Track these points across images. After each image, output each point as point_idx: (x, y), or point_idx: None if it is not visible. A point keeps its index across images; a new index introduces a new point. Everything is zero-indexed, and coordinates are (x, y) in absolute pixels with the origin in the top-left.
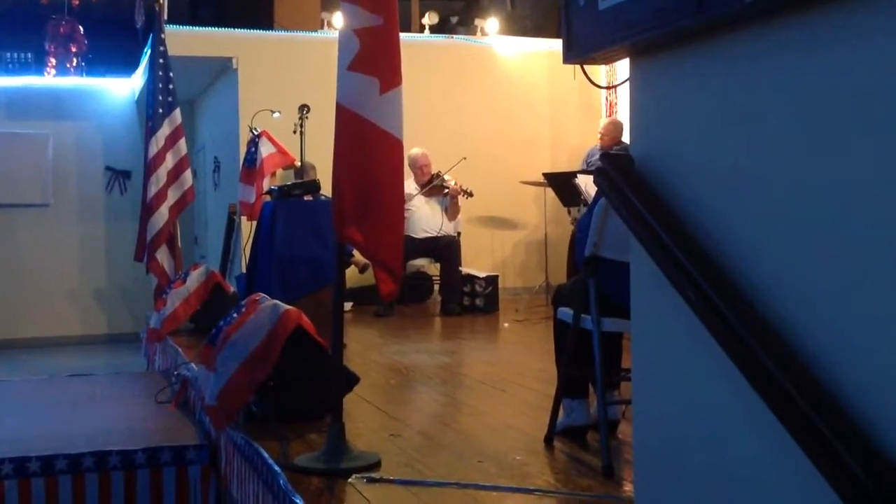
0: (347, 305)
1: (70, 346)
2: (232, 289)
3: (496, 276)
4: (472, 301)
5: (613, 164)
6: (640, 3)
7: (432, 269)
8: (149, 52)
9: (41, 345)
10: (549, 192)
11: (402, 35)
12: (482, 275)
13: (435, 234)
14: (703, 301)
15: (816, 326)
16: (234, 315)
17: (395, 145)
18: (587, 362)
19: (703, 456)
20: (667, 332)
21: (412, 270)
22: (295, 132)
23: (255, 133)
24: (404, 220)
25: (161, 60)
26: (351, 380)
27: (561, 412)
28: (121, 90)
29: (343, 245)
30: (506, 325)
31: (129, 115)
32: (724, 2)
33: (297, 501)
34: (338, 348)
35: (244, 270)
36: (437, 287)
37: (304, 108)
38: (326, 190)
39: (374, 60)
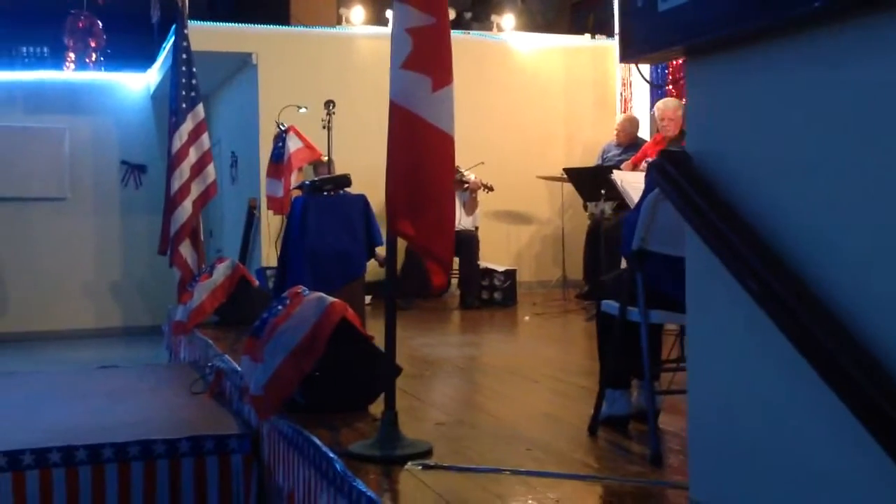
0: (367, 299)
1: (86, 338)
2: (257, 282)
3: (514, 270)
4: (490, 295)
5: (672, 160)
6: (701, 5)
7: None
8: (168, 47)
9: (58, 337)
10: (566, 187)
11: None
12: (500, 269)
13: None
14: (765, 291)
15: (877, 312)
16: (279, 307)
17: (447, 141)
18: (630, 353)
19: (761, 443)
20: (723, 323)
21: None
22: (324, 127)
23: (283, 128)
24: (454, 214)
25: (184, 56)
26: (395, 370)
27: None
28: (136, 85)
29: (395, 238)
30: (526, 318)
31: (145, 109)
32: (790, 4)
33: (359, 486)
34: (391, 339)
35: (263, 264)
36: (454, 281)
37: (329, 104)
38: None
39: (426, 59)
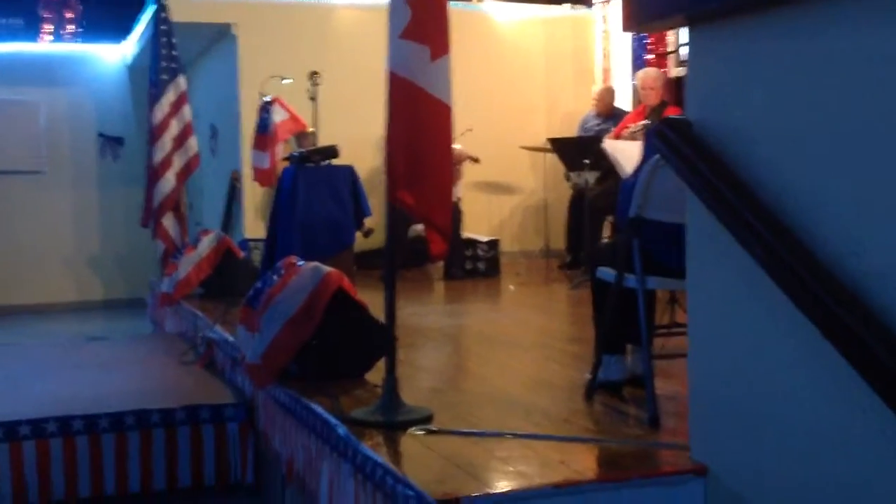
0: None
1: (67, 312)
2: (242, 254)
3: (497, 241)
4: (473, 265)
5: (672, 126)
6: None
7: None
8: (146, 17)
9: (38, 311)
10: (549, 157)
11: None
12: (484, 239)
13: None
14: (768, 254)
15: (877, 274)
16: (275, 277)
17: (445, 111)
18: (626, 320)
19: (762, 405)
20: (723, 286)
21: (413, 235)
22: (312, 98)
23: (267, 100)
24: (452, 182)
25: (164, 27)
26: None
27: None
28: (112, 56)
29: (395, 208)
30: (511, 287)
31: (121, 81)
32: None
33: (364, 450)
34: (391, 307)
35: (246, 236)
36: None
37: (314, 75)
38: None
39: (424, 29)
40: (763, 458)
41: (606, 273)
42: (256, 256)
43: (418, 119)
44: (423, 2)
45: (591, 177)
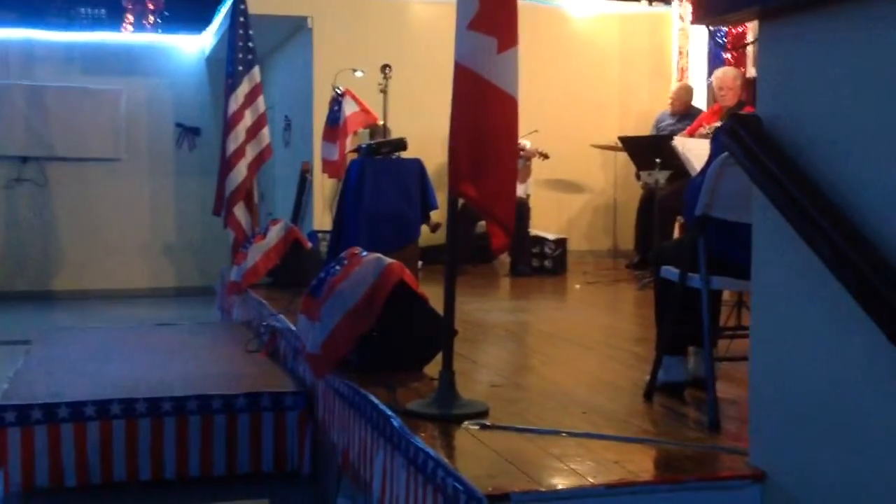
0: (418, 264)
1: (140, 298)
2: (310, 245)
3: (565, 239)
4: (540, 262)
5: (742, 124)
6: None
7: None
8: (224, 9)
9: (112, 296)
10: (620, 156)
11: None
12: (551, 237)
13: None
14: (837, 257)
15: None
16: (337, 267)
17: (511, 103)
18: (687, 320)
19: (824, 411)
20: (789, 288)
21: (480, 231)
22: (382, 91)
23: (339, 92)
24: (516, 176)
25: (241, 18)
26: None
27: None
28: (191, 48)
29: (457, 202)
30: (577, 286)
31: (199, 72)
32: None
33: (417, 442)
34: (451, 300)
35: (316, 227)
36: None
37: (385, 68)
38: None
39: (492, 20)
40: (824, 464)
41: (670, 272)
42: (324, 248)
43: (483, 111)
44: None
45: (661, 176)
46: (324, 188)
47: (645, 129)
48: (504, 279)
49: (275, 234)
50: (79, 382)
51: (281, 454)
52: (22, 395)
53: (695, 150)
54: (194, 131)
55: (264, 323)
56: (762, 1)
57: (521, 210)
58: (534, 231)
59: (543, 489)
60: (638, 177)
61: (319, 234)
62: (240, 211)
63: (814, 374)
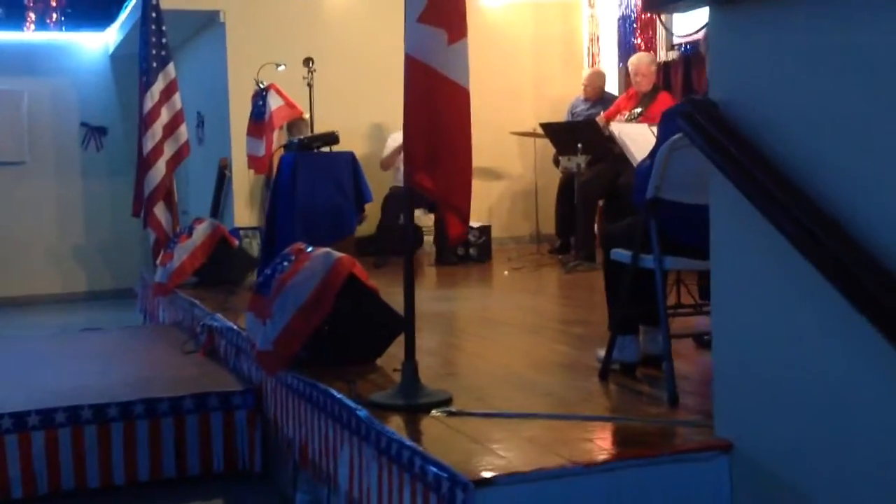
0: None
1: (51, 303)
2: (237, 242)
3: (489, 226)
4: (465, 251)
5: (698, 107)
6: None
7: (424, 219)
8: (132, 5)
9: (21, 303)
10: (538, 142)
11: None
12: (476, 224)
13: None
14: (803, 233)
15: None
16: (285, 263)
17: (463, 94)
18: (638, 300)
19: (789, 381)
20: (749, 264)
21: (403, 221)
22: (309, 85)
23: (262, 86)
24: (472, 165)
25: (153, 14)
26: (402, 323)
27: None
28: (94, 45)
29: (413, 192)
30: (505, 272)
31: (104, 70)
32: None
33: (388, 432)
34: (410, 291)
35: (236, 225)
36: (429, 238)
37: (309, 61)
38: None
39: (441, 12)
40: (790, 432)
41: (621, 254)
42: (249, 245)
43: (436, 103)
44: None
45: (581, 161)
46: (245, 185)
47: (560, 115)
48: (430, 269)
49: (200, 232)
50: (17, 392)
51: (231, 454)
52: None
53: (632, 135)
54: (101, 131)
55: (202, 323)
56: None
57: None
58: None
59: (525, 471)
60: (556, 162)
61: (242, 231)
62: (160, 210)
63: (776, 345)
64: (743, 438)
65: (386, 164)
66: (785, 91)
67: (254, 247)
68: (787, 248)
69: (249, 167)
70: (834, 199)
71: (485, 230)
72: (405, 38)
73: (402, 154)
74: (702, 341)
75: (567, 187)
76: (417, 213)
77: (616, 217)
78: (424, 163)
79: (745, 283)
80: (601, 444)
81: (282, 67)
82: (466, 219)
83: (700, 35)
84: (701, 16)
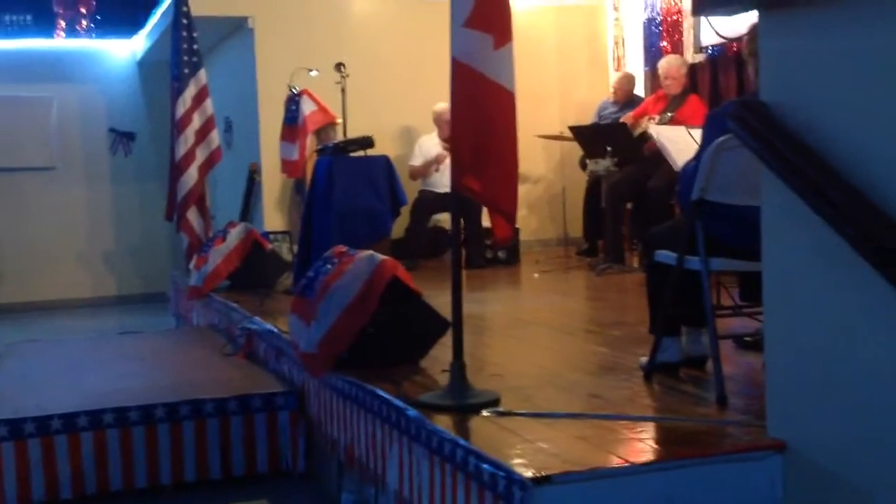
0: None
1: (82, 307)
2: (270, 246)
3: (517, 230)
4: (494, 254)
5: (749, 109)
6: None
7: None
8: (160, 12)
9: (52, 307)
10: (564, 145)
11: None
12: None
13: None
14: (859, 232)
15: None
16: (328, 266)
17: (509, 98)
18: (681, 302)
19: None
20: (803, 263)
21: (431, 225)
22: (342, 90)
23: (295, 91)
24: (518, 167)
25: (184, 20)
26: (444, 325)
27: None
28: (121, 52)
29: (460, 197)
30: (535, 275)
31: (131, 77)
32: None
33: (442, 432)
34: (458, 292)
35: (265, 228)
36: None
37: (340, 66)
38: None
39: (487, 17)
40: (845, 431)
41: (666, 256)
42: (279, 248)
43: (483, 106)
44: None
45: (609, 164)
46: (274, 189)
47: (585, 118)
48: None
49: (234, 236)
50: (65, 394)
51: (274, 454)
52: (10, 409)
53: (671, 137)
54: (129, 136)
55: (240, 326)
56: None
57: (474, 202)
58: (486, 223)
59: (581, 470)
60: (583, 165)
61: (272, 235)
62: (192, 215)
63: (830, 344)
64: (796, 438)
65: (414, 174)
66: (834, 91)
67: (284, 250)
68: (841, 246)
69: (283, 171)
70: (888, 197)
71: (514, 233)
72: (451, 42)
73: (429, 168)
74: (743, 343)
75: (594, 190)
76: (444, 216)
77: (645, 220)
78: (471, 166)
79: (797, 282)
80: (653, 443)
81: (314, 72)
82: (513, 221)
83: (725, 35)
84: (740, 18)
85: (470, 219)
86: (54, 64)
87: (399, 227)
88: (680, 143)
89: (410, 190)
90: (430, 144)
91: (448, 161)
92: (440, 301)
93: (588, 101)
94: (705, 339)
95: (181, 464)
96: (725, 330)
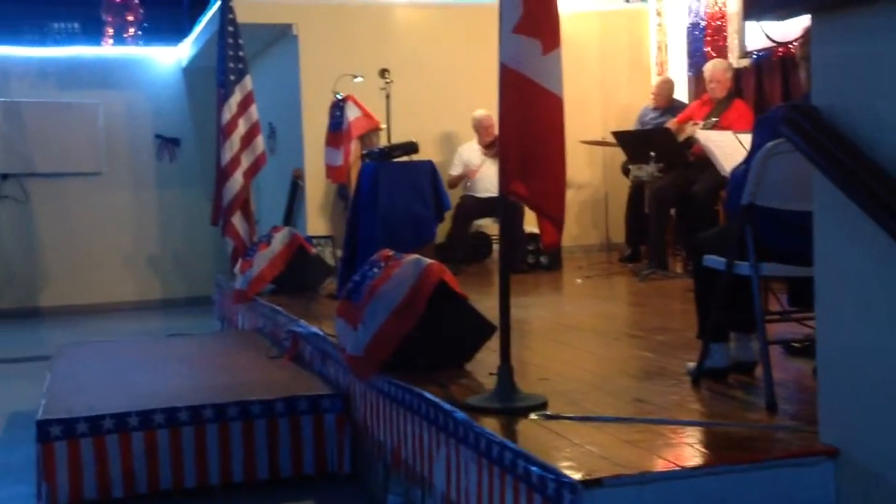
0: None
1: (127, 310)
2: (314, 250)
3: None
4: (536, 259)
5: (801, 113)
6: None
7: (492, 228)
8: (206, 20)
9: (97, 311)
10: (607, 150)
11: None
12: None
13: (497, 193)
14: None
15: None
16: (375, 270)
17: (557, 103)
18: (731, 307)
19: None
20: (856, 268)
21: (473, 230)
22: (387, 95)
23: (340, 97)
24: (566, 173)
25: (231, 28)
26: (490, 329)
27: None
28: (167, 59)
29: (507, 202)
30: (578, 280)
31: (177, 83)
32: None
33: (490, 434)
34: (505, 296)
35: (308, 233)
36: (495, 246)
37: (385, 72)
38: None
39: (536, 23)
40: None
41: (714, 261)
42: (323, 253)
43: (531, 111)
44: None
45: (653, 169)
46: (317, 194)
47: (627, 124)
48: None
49: (279, 241)
50: (116, 394)
51: (321, 456)
52: (62, 409)
53: (718, 142)
54: (174, 142)
55: (286, 329)
56: None
57: (516, 207)
58: (528, 228)
59: (631, 473)
60: (625, 171)
61: (315, 240)
62: (237, 220)
63: (884, 350)
64: (849, 444)
65: (452, 183)
66: (888, 96)
67: (327, 254)
68: (895, 250)
69: (327, 176)
70: None
71: (560, 238)
72: (500, 48)
73: (460, 181)
74: (791, 348)
75: (637, 196)
76: (486, 221)
77: (689, 225)
78: (519, 171)
79: (850, 287)
80: (703, 448)
81: (359, 79)
82: (561, 226)
83: (775, 39)
84: (790, 22)
85: (511, 223)
86: (101, 71)
87: (441, 232)
88: (727, 147)
89: (453, 196)
90: (470, 152)
91: (486, 167)
92: (483, 305)
93: (630, 106)
94: (754, 345)
95: (229, 464)
96: (773, 335)
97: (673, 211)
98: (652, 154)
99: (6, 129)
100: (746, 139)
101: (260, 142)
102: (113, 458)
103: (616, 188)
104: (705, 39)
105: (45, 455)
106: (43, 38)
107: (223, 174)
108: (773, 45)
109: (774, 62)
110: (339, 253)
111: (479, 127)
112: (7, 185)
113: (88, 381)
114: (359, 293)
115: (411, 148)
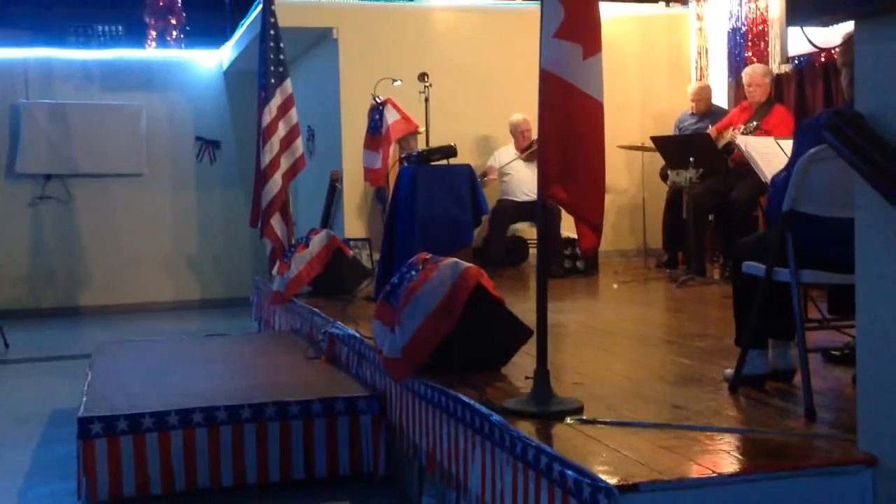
0: None
1: (165, 311)
2: (352, 253)
3: None
4: (572, 264)
5: (844, 119)
6: None
7: (529, 232)
8: (248, 23)
9: (136, 310)
10: (646, 156)
11: (492, 2)
12: None
13: (534, 197)
14: None
15: None
16: (413, 273)
17: (597, 108)
18: (770, 313)
19: None
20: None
21: (510, 234)
22: (426, 99)
23: (379, 101)
24: (605, 178)
25: (272, 31)
26: (527, 332)
27: None
28: (208, 62)
29: (546, 206)
30: (615, 286)
31: (218, 86)
32: None
33: (526, 438)
34: (543, 299)
35: (346, 235)
36: (531, 250)
37: (424, 76)
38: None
39: (577, 28)
40: None
41: (754, 267)
42: (360, 255)
43: (571, 116)
44: (575, 1)
45: (692, 175)
46: (355, 196)
47: (666, 129)
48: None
49: (317, 243)
50: (156, 393)
51: (357, 457)
52: (103, 406)
53: (759, 148)
54: (215, 144)
55: (323, 330)
56: (862, 3)
57: (553, 211)
58: (565, 233)
59: (668, 479)
60: (664, 176)
61: (352, 242)
62: (276, 222)
63: None
64: (888, 453)
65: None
66: None
67: (364, 257)
68: None
69: (366, 179)
70: None
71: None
72: (541, 52)
73: (486, 174)
74: (830, 356)
75: (675, 202)
76: (523, 225)
77: (728, 232)
78: (559, 175)
79: (892, 295)
80: (740, 455)
81: (398, 83)
82: (599, 231)
83: (818, 45)
84: (833, 28)
85: (548, 227)
86: (144, 73)
87: (478, 235)
88: (768, 154)
89: (490, 199)
90: (506, 156)
91: (522, 171)
92: (519, 309)
93: (669, 111)
94: (793, 352)
95: (266, 464)
96: (813, 343)
97: (711, 217)
98: (691, 160)
99: (50, 130)
100: (787, 145)
101: (299, 144)
102: (152, 456)
103: (654, 193)
104: (746, 44)
105: (85, 452)
106: (87, 41)
107: (262, 176)
108: (815, 50)
109: (817, 68)
110: (377, 255)
111: (516, 131)
112: (50, 185)
113: (128, 380)
114: (396, 296)
115: (450, 151)
